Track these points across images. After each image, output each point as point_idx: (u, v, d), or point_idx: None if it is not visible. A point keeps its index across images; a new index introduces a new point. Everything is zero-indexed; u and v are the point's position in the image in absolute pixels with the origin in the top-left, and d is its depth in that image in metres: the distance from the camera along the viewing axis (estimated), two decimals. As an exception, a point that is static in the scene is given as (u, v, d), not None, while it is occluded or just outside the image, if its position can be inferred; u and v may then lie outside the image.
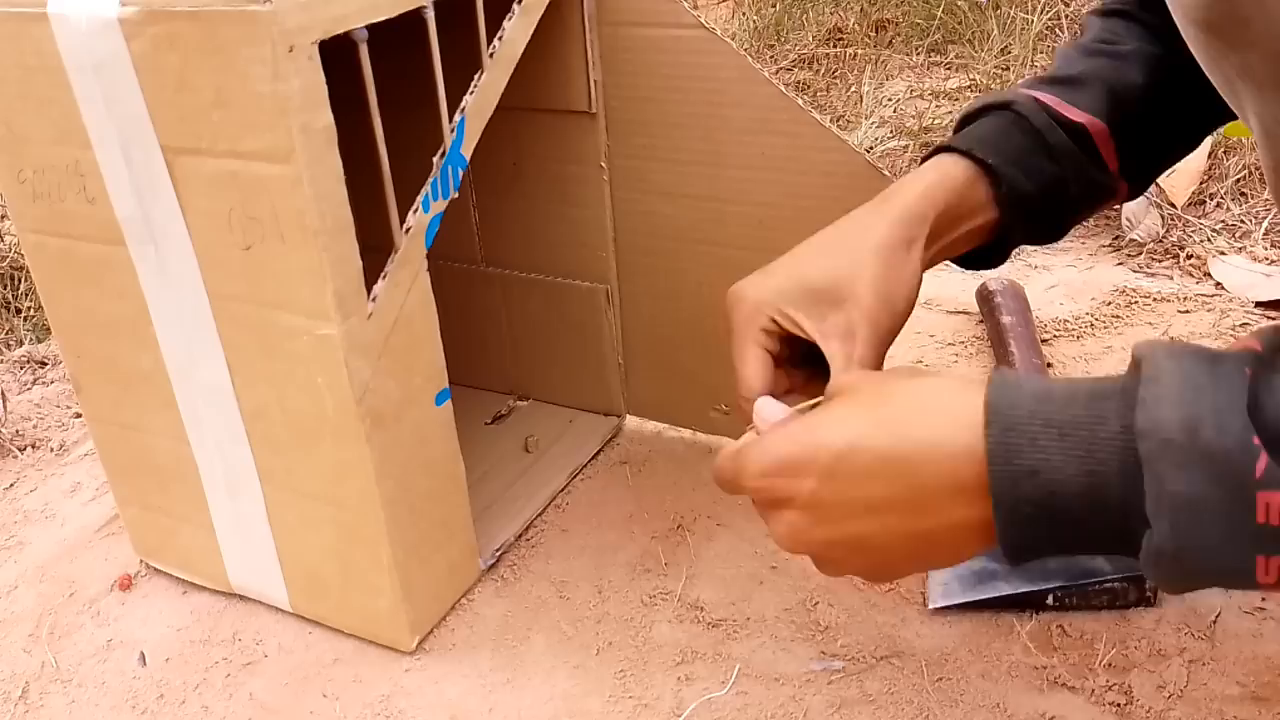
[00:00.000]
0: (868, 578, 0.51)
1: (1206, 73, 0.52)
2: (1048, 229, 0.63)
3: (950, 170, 0.59)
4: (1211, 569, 0.37)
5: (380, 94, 0.57)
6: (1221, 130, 0.80)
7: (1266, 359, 0.37)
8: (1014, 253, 0.66)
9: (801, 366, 0.58)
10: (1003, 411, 0.40)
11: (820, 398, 0.50)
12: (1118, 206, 0.66)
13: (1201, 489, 0.35)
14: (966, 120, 0.64)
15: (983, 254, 0.63)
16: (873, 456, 0.43)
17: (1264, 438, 0.35)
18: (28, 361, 1.12)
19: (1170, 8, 0.52)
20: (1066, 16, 1.84)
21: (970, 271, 0.66)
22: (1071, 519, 0.39)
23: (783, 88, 0.71)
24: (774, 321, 0.56)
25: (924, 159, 0.61)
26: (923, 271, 0.57)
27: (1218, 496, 0.35)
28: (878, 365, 0.55)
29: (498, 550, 0.77)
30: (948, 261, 0.63)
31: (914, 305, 0.57)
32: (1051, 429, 0.39)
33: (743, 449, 0.48)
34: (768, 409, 0.52)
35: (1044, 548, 0.41)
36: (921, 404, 0.44)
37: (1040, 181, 0.60)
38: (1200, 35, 0.49)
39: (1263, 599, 0.68)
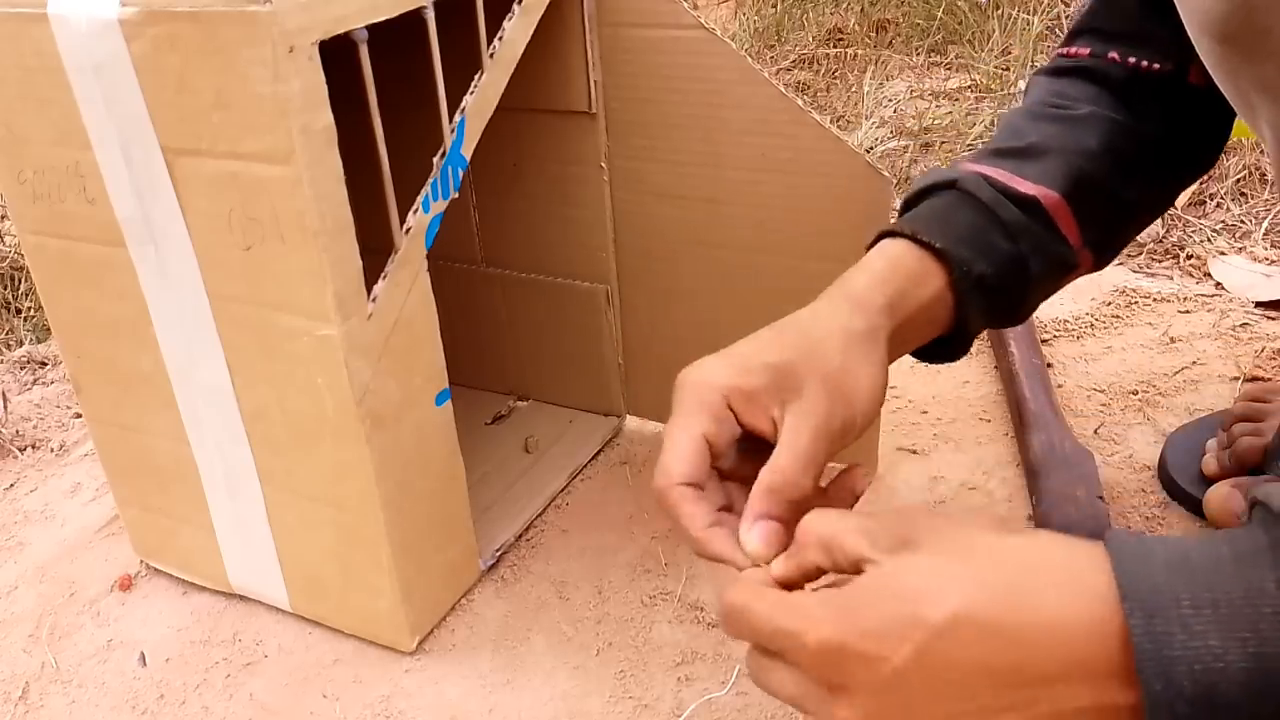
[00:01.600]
0: None
1: (1221, 86, 0.52)
2: (1009, 310, 0.58)
3: (899, 257, 0.54)
4: None
5: (380, 94, 0.57)
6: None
7: None
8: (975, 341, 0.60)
9: (739, 457, 0.51)
10: (1140, 588, 0.34)
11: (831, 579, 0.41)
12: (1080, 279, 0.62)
13: None
14: (911, 202, 0.59)
15: (942, 344, 0.58)
16: (980, 630, 0.35)
17: None
18: (28, 362, 1.12)
19: (1185, 21, 0.51)
20: (1066, 17, 1.84)
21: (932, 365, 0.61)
22: (1235, 711, 0.33)
23: (783, 89, 0.71)
24: (725, 401, 0.48)
25: (869, 245, 0.56)
26: (888, 364, 0.52)
27: None
28: (822, 464, 0.48)
29: (498, 551, 0.77)
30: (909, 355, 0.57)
31: (880, 400, 0.51)
32: (1203, 610, 0.33)
33: (796, 601, 0.39)
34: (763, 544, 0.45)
35: None
36: (1034, 567, 0.36)
37: (996, 261, 0.55)
38: (1216, 48, 0.49)
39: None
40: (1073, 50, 0.65)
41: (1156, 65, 0.62)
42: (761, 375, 0.48)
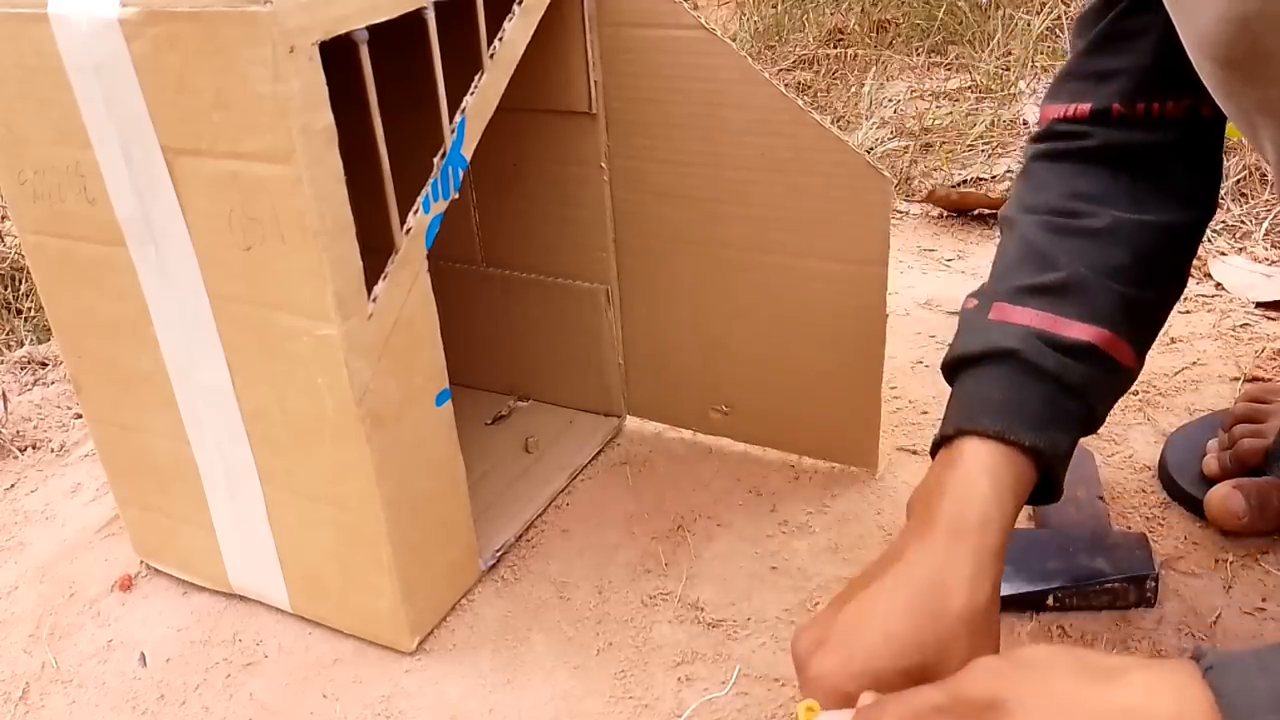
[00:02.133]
0: None
1: (1222, 107, 0.52)
2: (1073, 448, 0.59)
3: (997, 468, 0.53)
4: None
5: (380, 94, 0.57)
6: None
7: None
8: None
9: None
10: (1240, 709, 0.34)
11: None
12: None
13: None
14: (962, 365, 0.59)
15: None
16: None
17: None
18: (28, 362, 1.12)
19: (1187, 45, 0.51)
20: (1067, 17, 1.84)
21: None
22: None
23: (783, 89, 0.71)
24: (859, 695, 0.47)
25: (942, 441, 0.56)
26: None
27: None
28: None
29: (498, 551, 0.77)
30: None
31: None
32: None
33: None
34: None
35: None
36: (1135, 707, 0.36)
37: (1071, 426, 0.56)
38: (1219, 71, 0.49)
39: (1262, 599, 0.68)
40: (1070, 110, 0.63)
41: (1171, 104, 0.60)
42: (893, 674, 0.47)
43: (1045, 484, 0.57)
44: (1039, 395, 0.56)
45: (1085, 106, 0.62)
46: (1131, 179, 0.61)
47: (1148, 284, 0.60)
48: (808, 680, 0.49)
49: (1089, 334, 0.57)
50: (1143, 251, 0.59)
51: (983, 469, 0.54)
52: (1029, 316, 0.58)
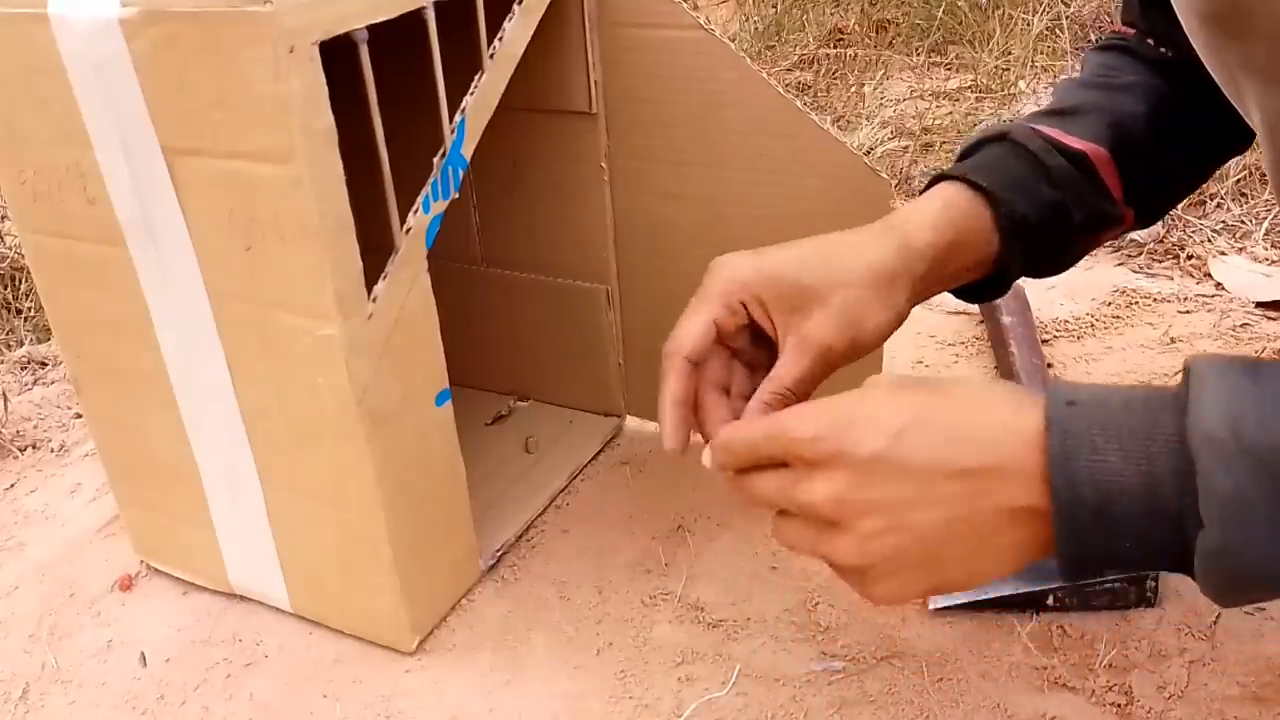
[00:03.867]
0: (899, 577, 0.44)
1: (1209, 67, 0.52)
2: (1050, 257, 0.63)
3: (952, 198, 0.58)
4: (1261, 573, 0.38)
5: (380, 94, 0.57)
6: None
7: None
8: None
9: (750, 343, 0.57)
10: (1062, 415, 0.40)
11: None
12: (1129, 236, 0.68)
13: (1247, 487, 0.36)
14: (965, 154, 0.64)
15: (982, 285, 0.62)
16: (940, 430, 0.42)
17: None
18: (28, 362, 1.12)
19: (1174, 3, 0.52)
20: (1067, 17, 1.85)
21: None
22: (1129, 528, 0.39)
23: (781, 90, 0.71)
24: (742, 303, 0.55)
25: (925, 188, 0.61)
26: (909, 307, 0.56)
27: (1264, 494, 0.36)
28: (818, 381, 0.54)
29: (498, 550, 0.77)
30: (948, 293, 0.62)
31: (883, 339, 0.56)
32: (1109, 432, 0.39)
33: (790, 410, 0.46)
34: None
35: (1100, 559, 0.41)
36: (983, 396, 0.44)
37: (1040, 206, 0.59)
38: (1203, 29, 0.49)
39: (1263, 599, 0.68)
40: (1121, 28, 0.69)
41: (1166, 51, 0.65)
42: (780, 287, 0.54)
43: (998, 271, 0.60)
44: (1017, 168, 0.60)
45: (1131, 30, 0.68)
46: (1163, 73, 0.65)
47: (1155, 140, 0.63)
48: (709, 271, 0.57)
49: (1085, 147, 0.61)
50: (1157, 113, 0.63)
51: (937, 195, 0.59)
52: (1036, 125, 0.62)
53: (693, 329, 0.55)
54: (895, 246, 0.56)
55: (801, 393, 0.54)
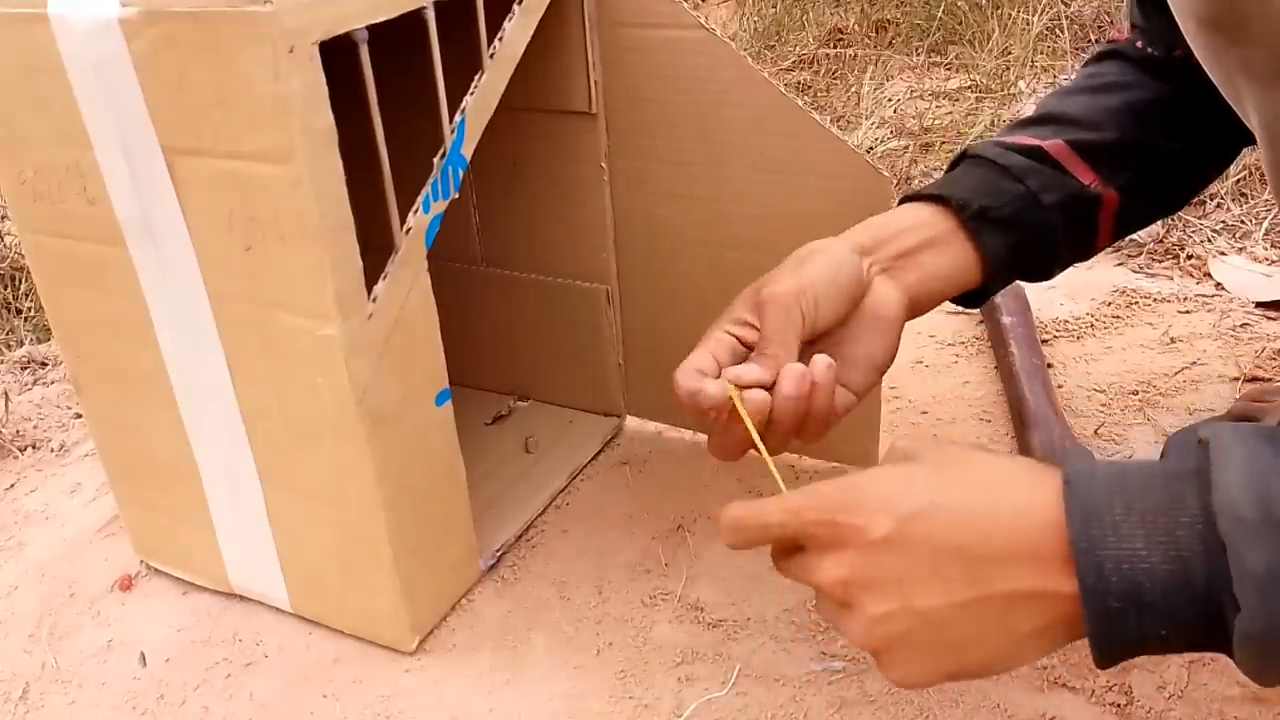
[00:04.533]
0: (912, 662, 0.43)
1: (1207, 70, 0.52)
2: (1039, 250, 0.63)
3: (913, 210, 0.60)
4: None
5: (380, 94, 0.57)
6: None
7: None
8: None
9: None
10: (1081, 494, 0.39)
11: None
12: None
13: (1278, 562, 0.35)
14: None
15: (982, 290, 0.63)
16: (950, 515, 0.41)
17: None
18: (28, 362, 1.12)
19: (1171, 6, 0.52)
20: (1067, 17, 1.85)
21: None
22: (1163, 614, 0.38)
23: (782, 89, 0.71)
24: (726, 333, 0.57)
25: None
26: (878, 272, 0.58)
27: None
28: (793, 341, 0.55)
29: (498, 550, 0.77)
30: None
31: (853, 303, 0.56)
32: (1133, 515, 0.38)
33: (802, 490, 0.45)
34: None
35: (1134, 647, 0.39)
36: (999, 473, 0.43)
37: (1002, 198, 0.60)
38: (1201, 32, 0.49)
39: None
40: (1116, 35, 0.71)
41: (1154, 50, 0.65)
42: (751, 291, 0.57)
43: (985, 269, 0.61)
44: (975, 175, 0.62)
45: (1125, 36, 0.69)
46: (1148, 71, 0.66)
47: (1129, 125, 0.64)
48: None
49: (1040, 142, 0.62)
50: (1131, 103, 0.64)
51: (893, 212, 0.61)
52: (1000, 138, 0.64)
53: (712, 350, 0.56)
54: (849, 234, 0.59)
55: (787, 347, 0.54)
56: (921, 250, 0.59)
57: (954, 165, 0.65)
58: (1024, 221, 0.60)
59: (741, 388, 0.52)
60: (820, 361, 0.53)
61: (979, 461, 0.44)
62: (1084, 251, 0.65)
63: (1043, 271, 0.64)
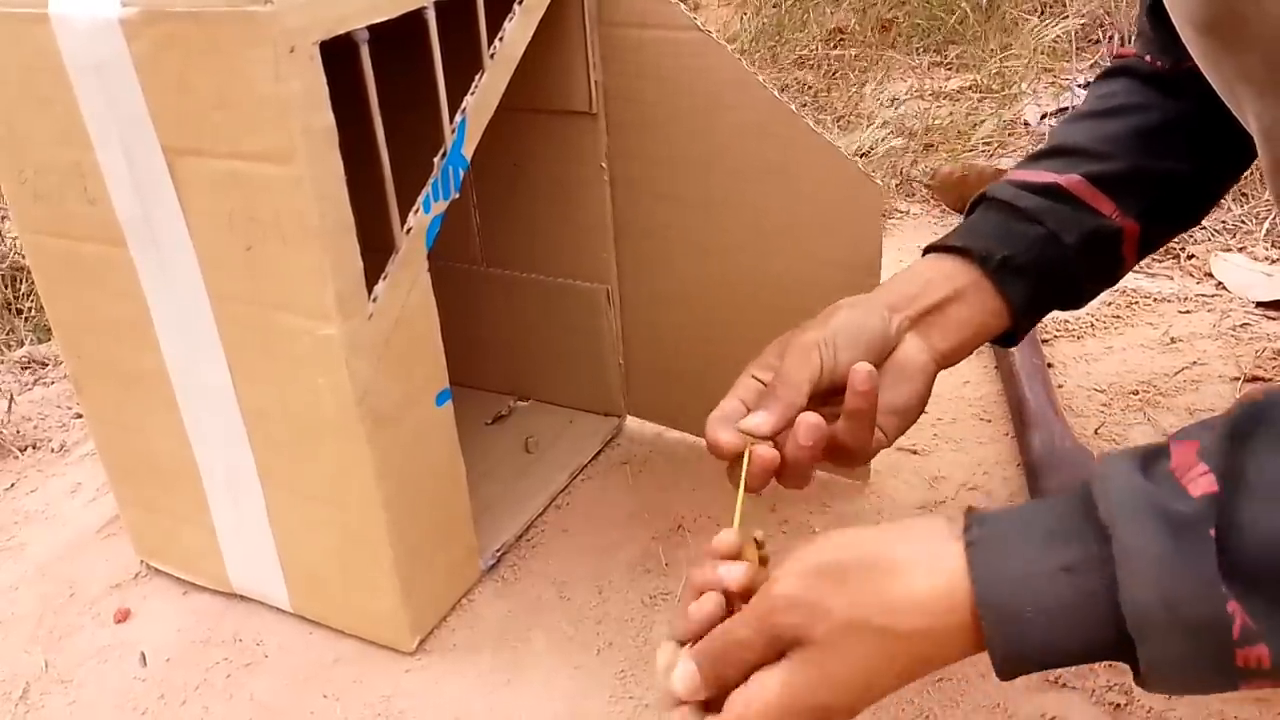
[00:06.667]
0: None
1: (1207, 76, 0.52)
2: (1064, 289, 0.63)
3: (937, 262, 0.61)
4: (1201, 694, 0.42)
5: (381, 94, 0.57)
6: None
7: (1225, 502, 0.37)
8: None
9: None
10: (990, 598, 0.40)
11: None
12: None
13: (1187, 655, 0.38)
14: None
15: (1010, 333, 0.63)
16: (867, 632, 0.42)
17: (1236, 595, 0.37)
18: (29, 362, 1.12)
19: (1170, 12, 0.52)
20: (1066, 17, 1.84)
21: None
22: (1067, 658, 0.41)
23: (777, 93, 0.71)
24: (752, 378, 0.58)
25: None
26: (908, 342, 0.58)
27: (1202, 658, 0.38)
28: (810, 385, 0.55)
29: (498, 550, 0.77)
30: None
31: (876, 355, 0.56)
32: (1042, 614, 0.40)
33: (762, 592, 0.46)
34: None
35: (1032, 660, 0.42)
36: (898, 558, 0.43)
37: (1022, 245, 0.60)
38: (1199, 38, 0.49)
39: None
40: (1123, 50, 0.70)
41: (1161, 63, 0.65)
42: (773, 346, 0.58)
43: (1012, 315, 0.61)
44: (992, 220, 0.62)
45: (1133, 51, 0.69)
46: (1157, 87, 0.66)
47: (1141, 151, 0.64)
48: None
49: (1054, 178, 0.62)
50: (1142, 127, 0.64)
51: (919, 266, 0.61)
52: (1011, 175, 0.64)
53: (739, 395, 0.57)
54: (866, 302, 0.58)
55: (797, 390, 0.54)
56: (948, 304, 0.59)
57: (973, 208, 0.65)
58: (1047, 265, 0.61)
59: (756, 437, 0.54)
60: (807, 419, 0.54)
61: (874, 540, 0.45)
62: (1110, 280, 0.66)
63: (1072, 303, 0.65)
